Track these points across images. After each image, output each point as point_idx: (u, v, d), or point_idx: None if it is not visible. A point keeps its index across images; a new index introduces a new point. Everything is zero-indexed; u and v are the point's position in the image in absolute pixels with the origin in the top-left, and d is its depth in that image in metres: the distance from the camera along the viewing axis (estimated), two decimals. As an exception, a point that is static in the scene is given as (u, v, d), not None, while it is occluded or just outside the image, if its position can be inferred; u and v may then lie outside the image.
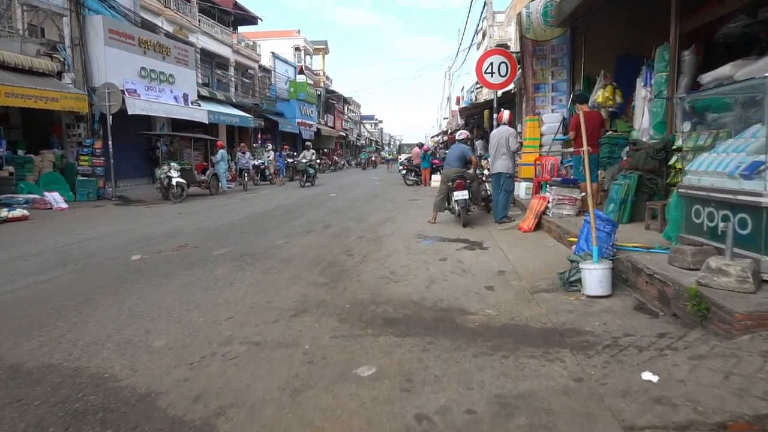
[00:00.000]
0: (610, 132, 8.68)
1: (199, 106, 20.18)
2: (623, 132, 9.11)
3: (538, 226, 7.71)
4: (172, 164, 14.39)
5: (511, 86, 19.14)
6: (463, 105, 27.26)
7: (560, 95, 11.34)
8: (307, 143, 22.81)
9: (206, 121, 19.81)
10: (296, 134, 35.90)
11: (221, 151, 16.78)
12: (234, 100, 25.96)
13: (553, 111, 11.35)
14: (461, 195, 8.27)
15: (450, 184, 8.54)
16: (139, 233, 8.38)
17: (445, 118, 60.11)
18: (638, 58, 10.46)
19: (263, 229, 8.73)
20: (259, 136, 31.05)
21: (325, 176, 30.38)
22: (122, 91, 15.71)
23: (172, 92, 18.40)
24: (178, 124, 19.71)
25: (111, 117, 14.54)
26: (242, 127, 27.85)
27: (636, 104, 7.88)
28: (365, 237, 7.72)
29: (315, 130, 39.72)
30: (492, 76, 11.24)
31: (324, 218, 10.00)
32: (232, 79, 31.04)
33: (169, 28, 23.39)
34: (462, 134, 9.14)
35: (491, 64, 11.23)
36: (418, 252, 6.51)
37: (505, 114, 8.54)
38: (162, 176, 14.38)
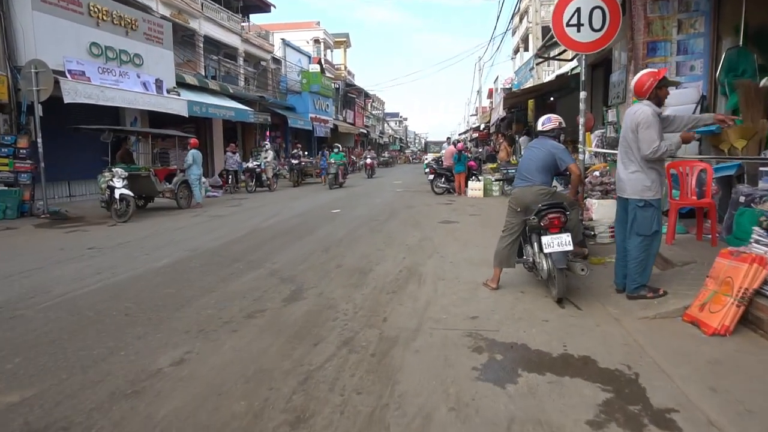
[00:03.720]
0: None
1: (178, 95, 16.33)
2: None
3: (742, 319, 3.47)
4: (116, 170, 10.51)
5: (573, 64, 14.38)
6: (502, 90, 22.62)
7: (693, 59, 6.99)
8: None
9: (186, 114, 15.95)
10: (310, 131, 31.90)
11: (192, 151, 12.77)
12: (231, 91, 22.06)
13: (679, 86, 7.01)
14: (559, 243, 4.06)
15: (532, 219, 4.32)
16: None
17: (472, 115, 55.42)
18: None
19: (180, 299, 4.68)
20: (268, 133, 27.19)
21: (339, 179, 26.32)
22: (63, 73, 11.97)
23: (139, 77, 14.56)
24: (161, 118, 15.88)
25: (40, 106, 10.80)
26: (246, 124, 24.07)
27: None
28: (357, 342, 3.56)
29: (331, 126, 35.71)
30: (578, 30, 6.96)
31: (301, 266, 5.91)
32: (241, 70, 27.36)
33: (166, 12, 19.85)
34: (549, 121, 4.83)
35: (578, 11, 6.95)
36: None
37: (646, 78, 4.13)
38: (103, 185, 10.56)
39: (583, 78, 7.05)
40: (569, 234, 4.13)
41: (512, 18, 27.84)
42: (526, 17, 33.51)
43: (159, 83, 15.34)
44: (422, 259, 6.21)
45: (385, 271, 5.61)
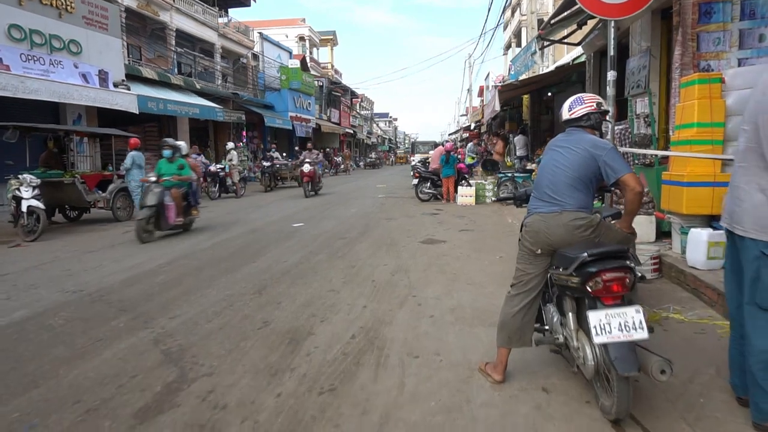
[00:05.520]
0: None
1: (128, 89, 14.30)
2: None
3: None
4: (24, 176, 8.52)
5: (576, 53, 12.42)
6: (493, 87, 20.66)
7: (763, 26, 5.15)
8: None
9: (136, 110, 13.93)
10: (290, 130, 29.92)
11: (132, 153, 10.69)
12: (198, 86, 20.04)
13: (744, 62, 5.18)
14: (623, 326, 2.20)
15: (569, 275, 2.43)
16: None
17: (462, 115, 53.60)
18: None
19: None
20: (243, 133, 25.31)
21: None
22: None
23: (77, 67, 12.55)
24: (115, 116, 13.84)
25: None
26: (219, 123, 22.13)
27: None
28: None
29: (314, 126, 33.71)
30: (606, -13, 5.13)
31: (210, 324, 3.97)
32: (218, 66, 25.41)
33: (132, 3, 17.85)
34: (580, 103, 2.84)
35: (605, -39, 5.12)
36: None
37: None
38: (9, 196, 8.58)
39: (611, 53, 5.20)
40: (639, 308, 2.26)
41: (503, 11, 26.10)
42: (518, 10, 31.78)
43: (103, 75, 13.33)
44: (390, 309, 4.30)
45: (331, 336, 3.69)
